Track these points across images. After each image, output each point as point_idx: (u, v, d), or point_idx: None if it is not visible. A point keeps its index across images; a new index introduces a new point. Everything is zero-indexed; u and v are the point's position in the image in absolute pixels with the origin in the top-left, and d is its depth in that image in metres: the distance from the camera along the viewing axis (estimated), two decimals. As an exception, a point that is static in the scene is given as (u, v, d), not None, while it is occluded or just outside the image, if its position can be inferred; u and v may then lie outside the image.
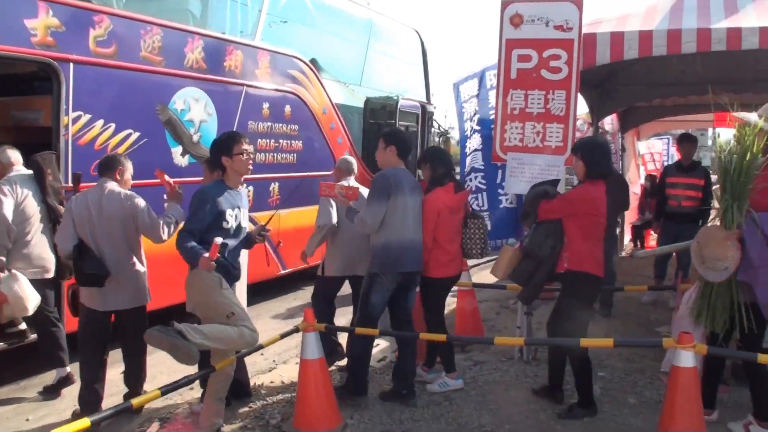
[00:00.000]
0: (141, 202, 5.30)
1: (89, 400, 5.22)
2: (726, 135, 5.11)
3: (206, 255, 4.42)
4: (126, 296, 5.30)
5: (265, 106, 8.81)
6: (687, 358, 4.45)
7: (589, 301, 5.43)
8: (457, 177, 6.49)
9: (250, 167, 4.89)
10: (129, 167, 5.52)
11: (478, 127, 8.40)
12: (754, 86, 9.40)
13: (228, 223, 4.71)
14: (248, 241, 5.03)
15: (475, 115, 8.50)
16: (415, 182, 5.65)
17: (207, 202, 4.61)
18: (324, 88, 10.03)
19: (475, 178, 8.64)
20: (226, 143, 4.78)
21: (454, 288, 7.74)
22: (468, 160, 8.44)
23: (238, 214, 4.80)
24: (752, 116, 4.84)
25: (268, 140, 8.87)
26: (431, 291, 5.78)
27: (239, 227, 4.84)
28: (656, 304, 8.87)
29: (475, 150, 8.47)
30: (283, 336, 5.46)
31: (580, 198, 5.25)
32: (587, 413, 5.30)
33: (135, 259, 5.35)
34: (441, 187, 5.60)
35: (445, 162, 5.76)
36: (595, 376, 6.12)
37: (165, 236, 5.30)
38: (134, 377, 5.54)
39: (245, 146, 4.80)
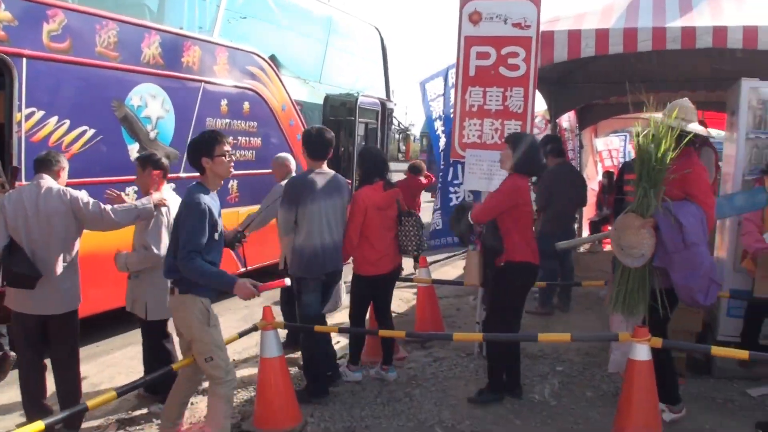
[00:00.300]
0: (80, 193, 5.04)
1: (32, 412, 4.92)
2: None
3: (253, 286, 4.18)
4: (57, 300, 4.94)
5: (224, 102, 8.73)
6: (642, 352, 4.53)
7: (528, 290, 5.64)
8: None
9: (232, 170, 4.55)
10: (67, 166, 5.25)
11: (443, 127, 8.43)
12: (708, 84, 9.60)
13: (218, 233, 4.40)
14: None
15: (444, 115, 8.54)
16: (337, 183, 5.64)
17: (206, 215, 4.24)
18: (283, 85, 9.98)
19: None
20: (206, 143, 4.41)
21: (414, 284, 7.82)
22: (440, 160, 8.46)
23: (220, 221, 4.47)
24: (658, 116, 5.11)
25: (226, 137, 8.78)
26: (363, 288, 5.88)
27: (221, 234, 4.53)
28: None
29: (442, 150, 8.50)
30: (242, 334, 5.44)
31: (512, 189, 5.36)
32: (494, 398, 5.47)
33: (68, 262, 5.01)
34: (369, 186, 5.74)
35: (374, 161, 5.92)
36: (553, 370, 6.21)
37: (119, 219, 5.07)
38: (68, 392, 5.07)
39: (227, 147, 4.45)
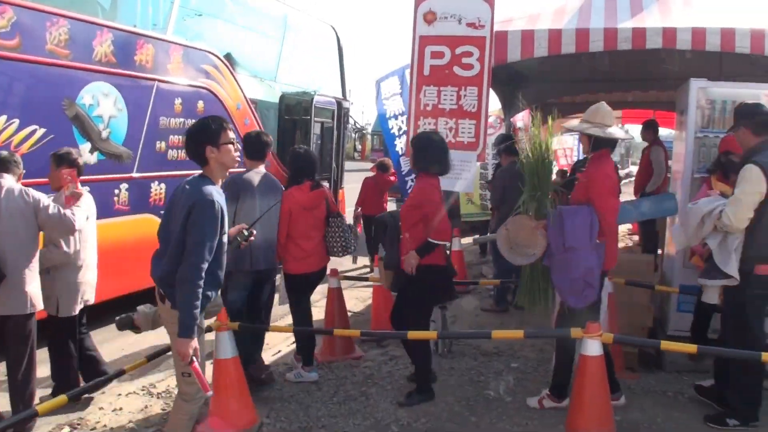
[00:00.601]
0: (41, 195, 4.99)
1: None
2: (635, 131, 5.57)
3: (193, 355, 3.83)
4: (17, 301, 4.85)
5: (178, 101, 8.64)
6: (594, 347, 4.59)
7: (437, 290, 5.66)
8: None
9: (238, 159, 4.19)
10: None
11: (404, 126, 8.43)
12: (659, 84, 9.77)
13: (226, 234, 4.03)
14: None
15: (402, 114, 8.54)
16: (272, 183, 5.79)
17: (219, 217, 3.86)
18: (238, 84, 9.90)
19: (413, 180, 8.63)
20: (211, 131, 3.97)
21: (369, 283, 7.83)
22: (402, 160, 8.44)
23: (226, 220, 4.08)
24: (574, 122, 5.34)
25: (180, 137, 8.68)
26: (290, 285, 5.98)
27: (225, 234, 4.13)
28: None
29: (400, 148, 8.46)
30: (196, 335, 5.38)
31: (431, 188, 5.45)
32: (423, 399, 5.52)
33: (30, 263, 4.94)
34: (296, 186, 5.84)
35: (302, 162, 5.98)
36: (508, 367, 6.27)
37: (77, 224, 5.03)
38: (21, 395, 4.97)
39: (232, 134, 4.06)
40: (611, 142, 5.27)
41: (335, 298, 6.94)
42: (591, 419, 4.65)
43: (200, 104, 9.07)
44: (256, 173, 5.70)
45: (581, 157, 13.96)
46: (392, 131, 8.65)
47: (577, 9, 7.21)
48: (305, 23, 12.70)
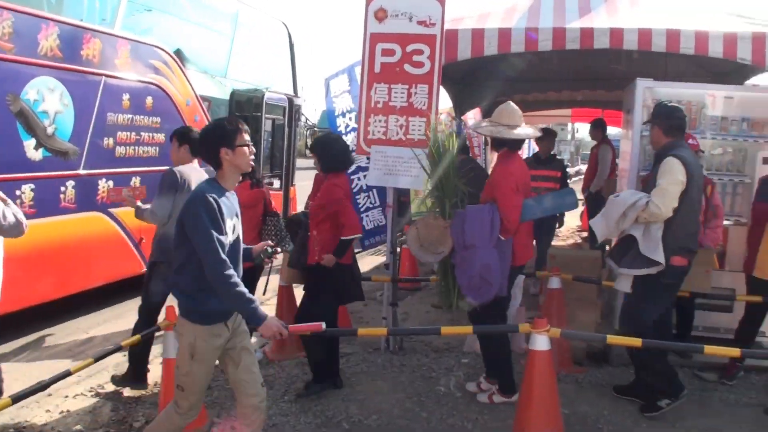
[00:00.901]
0: None
1: None
2: (585, 130, 5.69)
3: (283, 328, 3.76)
4: None
5: (126, 97, 8.50)
6: (541, 342, 4.63)
7: (342, 286, 5.66)
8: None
9: (252, 163, 3.99)
10: None
11: (356, 125, 8.45)
12: (606, 84, 9.91)
13: (227, 237, 3.78)
14: (245, 258, 4.15)
15: (351, 112, 8.52)
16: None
17: (215, 211, 3.66)
18: (188, 80, 9.80)
19: (364, 176, 8.64)
20: (227, 132, 3.81)
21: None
22: None
23: (236, 224, 3.92)
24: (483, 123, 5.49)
25: (128, 133, 8.55)
26: None
27: (237, 240, 3.93)
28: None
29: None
30: (144, 336, 5.32)
31: (335, 188, 5.55)
32: (322, 387, 5.62)
33: None
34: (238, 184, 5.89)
35: None
36: (459, 362, 6.32)
37: (26, 227, 4.92)
38: None
39: (248, 136, 3.90)
40: (512, 142, 5.41)
41: (285, 295, 6.92)
42: (539, 414, 4.68)
43: (149, 100, 8.95)
44: (194, 168, 5.76)
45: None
46: (339, 129, 8.66)
47: (526, 9, 7.29)
48: (257, 20, 12.61)
